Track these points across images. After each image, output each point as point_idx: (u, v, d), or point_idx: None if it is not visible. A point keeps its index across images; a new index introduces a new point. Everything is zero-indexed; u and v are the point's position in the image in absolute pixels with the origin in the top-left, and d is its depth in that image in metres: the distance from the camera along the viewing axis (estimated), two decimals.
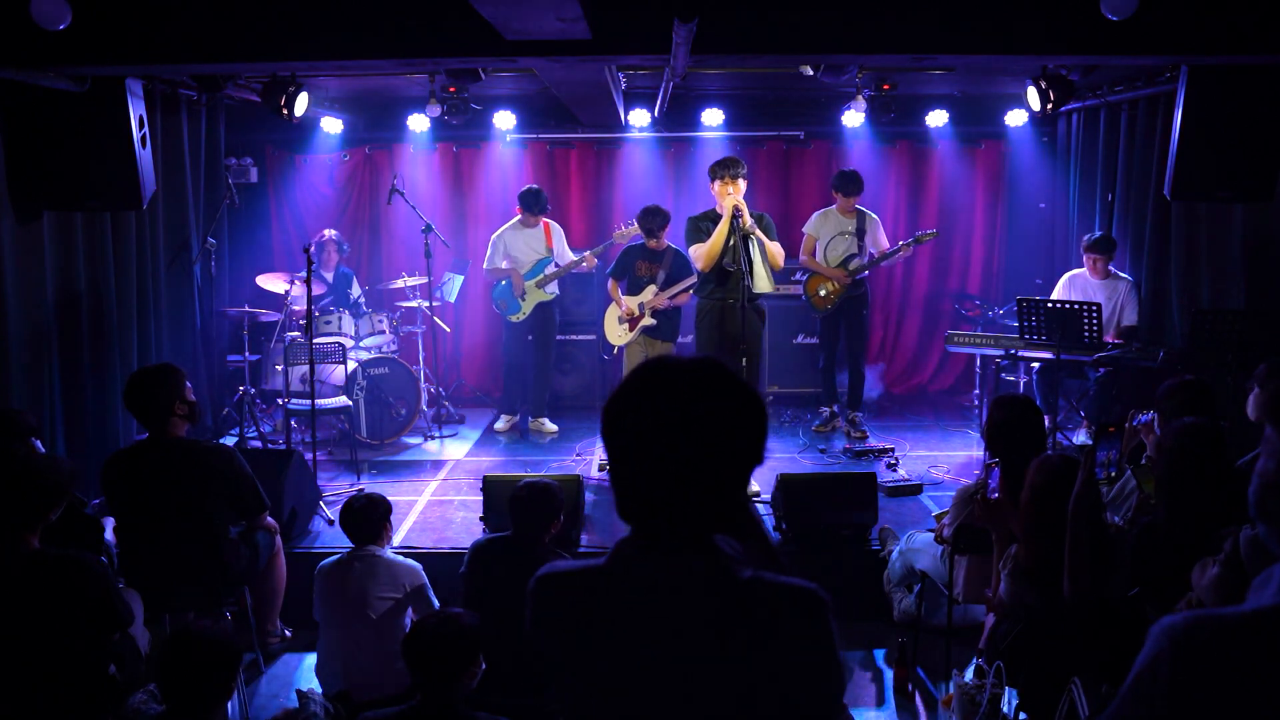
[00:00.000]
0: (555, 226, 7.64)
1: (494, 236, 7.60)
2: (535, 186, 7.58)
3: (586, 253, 7.53)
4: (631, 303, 6.83)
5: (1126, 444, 4.32)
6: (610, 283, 6.98)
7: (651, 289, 6.80)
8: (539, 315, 7.54)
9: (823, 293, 7.31)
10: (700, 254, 5.99)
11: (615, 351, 7.24)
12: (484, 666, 3.04)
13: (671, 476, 1.41)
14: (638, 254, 6.91)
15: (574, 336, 8.34)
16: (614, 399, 1.48)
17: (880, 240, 7.34)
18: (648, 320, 6.80)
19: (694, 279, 6.56)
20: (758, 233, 5.87)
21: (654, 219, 6.79)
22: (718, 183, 5.90)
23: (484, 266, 7.66)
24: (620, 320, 6.90)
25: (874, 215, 7.40)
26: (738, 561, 1.47)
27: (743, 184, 5.87)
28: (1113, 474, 3.20)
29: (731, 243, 5.78)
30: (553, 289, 7.59)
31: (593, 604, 1.48)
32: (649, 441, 1.42)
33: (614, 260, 7.09)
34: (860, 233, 7.24)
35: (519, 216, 7.50)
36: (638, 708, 1.45)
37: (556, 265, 7.50)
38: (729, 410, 1.43)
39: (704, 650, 1.42)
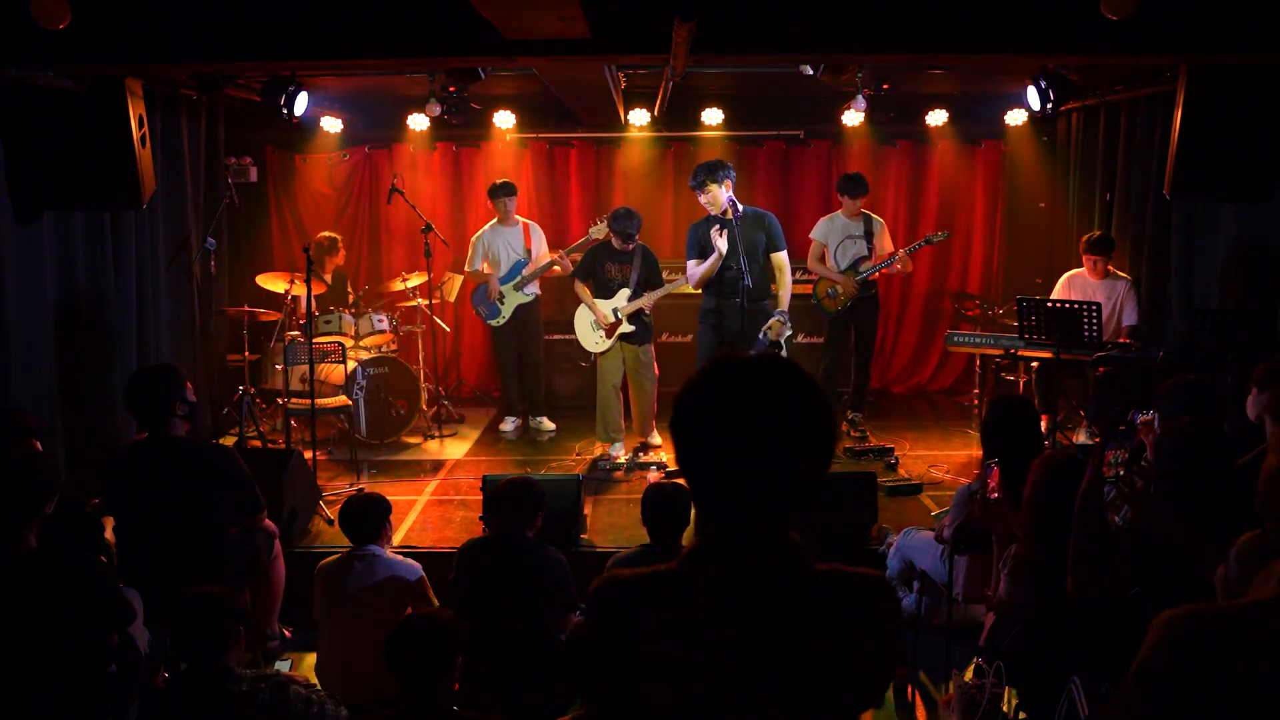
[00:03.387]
0: (535, 227, 7.59)
1: (474, 238, 7.58)
2: (499, 180, 7.54)
3: (560, 253, 7.42)
4: (604, 308, 6.61)
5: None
6: (577, 284, 6.73)
7: (624, 293, 6.57)
8: (520, 317, 7.49)
9: (832, 294, 7.19)
10: (697, 276, 6.06)
11: (591, 359, 7.01)
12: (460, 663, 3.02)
13: (768, 473, 1.41)
14: (605, 255, 6.65)
15: (573, 336, 8.30)
16: (697, 397, 1.46)
17: (885, 244, 7.25)
18: (626, 327, 6.59)
19: (670, 288, 6.58)
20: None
21: (630, 222, 6.46)
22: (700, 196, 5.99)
23: (465, 269, 7.64)
24: (594, 326, 6.67)
25: (879, 219, 7.31)
26: (810, 553, 1.48)
27: (714, 188, 5.88)
28: (1122, 473, 3.20)
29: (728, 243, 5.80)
30: (531, 289, 7.51)
31: (664, 607, 1.46)
32: (745, 438, 1.40)
33: (580, 261, 6.90)
34: (869, 235, 7.18)
35: (496, 217, 7.48)
36: (711, 706, 1.43)
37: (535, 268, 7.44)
38: (820, 405, 1.45)
39: (783, 642, 1.42)
